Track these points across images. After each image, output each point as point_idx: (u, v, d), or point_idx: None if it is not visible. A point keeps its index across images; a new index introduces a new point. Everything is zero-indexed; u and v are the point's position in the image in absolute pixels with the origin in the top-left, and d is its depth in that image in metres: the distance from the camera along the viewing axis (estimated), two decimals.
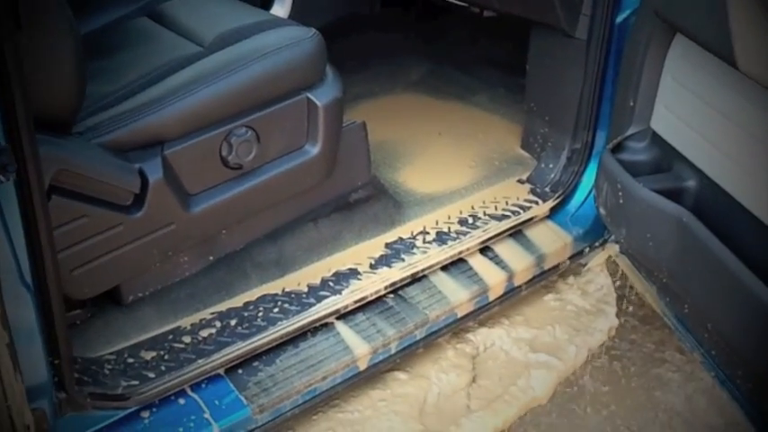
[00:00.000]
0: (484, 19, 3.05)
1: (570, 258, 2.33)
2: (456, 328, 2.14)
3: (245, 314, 1.88)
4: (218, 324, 1.84)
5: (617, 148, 2.09)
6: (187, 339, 1.80)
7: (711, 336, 1.85)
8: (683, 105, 1.93)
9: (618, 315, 2.35)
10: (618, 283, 2.44)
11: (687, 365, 2.41)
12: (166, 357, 1.74)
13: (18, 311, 1.28)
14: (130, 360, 1.72)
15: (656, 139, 2.04)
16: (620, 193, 2.01)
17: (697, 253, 1.80)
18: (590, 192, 2.33)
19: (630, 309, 2.57)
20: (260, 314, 1.88)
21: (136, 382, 1.67)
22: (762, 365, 1.65)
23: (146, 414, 1.69)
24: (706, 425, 2.28)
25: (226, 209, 1.89)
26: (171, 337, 1.80)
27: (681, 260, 1.87)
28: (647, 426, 2.25)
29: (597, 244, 2.38)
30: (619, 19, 2.16)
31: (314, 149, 2.00)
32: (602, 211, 2.15)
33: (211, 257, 1.98)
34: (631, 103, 2.06)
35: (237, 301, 1.91)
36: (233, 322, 1.85)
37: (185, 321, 1.85)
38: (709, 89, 1.82)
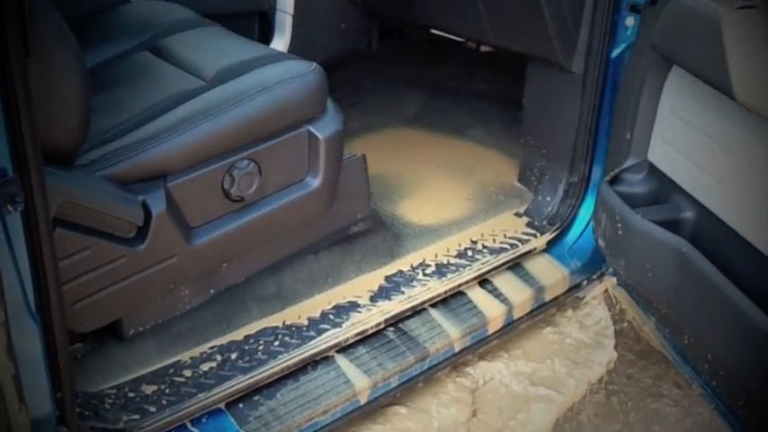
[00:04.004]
0: (480, 53, 3.10)
1: (568, 291, 2.33)
2: (456, 361, 2.13)
3: (246, 347, 1.86)
4: (218, 358, 1.83)
5: (615, 181, 2.11)
6: (188, 373, 1.78)
7: (712, 366, 1.85)
8: (679, 137, 1.95)
9: (616, 348, 2.35)
10: (615, 316, 2.45)
11: (684, 400, 2.41)
12: (167, 391, 1.72)
13: (24, 343, 1.27)
14: (131, 394, 1.70)
15: (654, 171, 2.06)
16: (619, 225, 2.02)
17: (696, 283, 1.81)
18: (587, 225, 2.34)
19: (628, 343, 2.57)
20: (260, 347, 1.86)
21: (137, 417, 1.65)
22: (763, 394, 1.65)
23: None
24: None
25: (227, 241, 1.88)
26: (172, 370, 1.78)
27: (680, 290, 1.88)
28: None
29: (595, 277, 2.38)
30: (614, 53, 2.19)
31: (315, 182, 2.00)
32: (601, 242, 2.16)
33: (212, 290, 1.97)
34: (628, 136, 2.08)
35: (238, 335, 1.90)
36: (234, 356, 1.84)
37: (186, 355, 1.83)
38: (706, 120, 1.84)
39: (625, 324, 2.49)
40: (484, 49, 3.13)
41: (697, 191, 1.90)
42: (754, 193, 1.72)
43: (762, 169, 1.68)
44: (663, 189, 2.04)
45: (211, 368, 1.80)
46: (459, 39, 2.80)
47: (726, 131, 1.78)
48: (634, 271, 2.07)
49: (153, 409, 1.67)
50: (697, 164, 1.90)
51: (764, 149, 1.65)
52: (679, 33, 1.84)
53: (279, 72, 1.93)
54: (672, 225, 1.94)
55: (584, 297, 2.43)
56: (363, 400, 1.91)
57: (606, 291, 2.43)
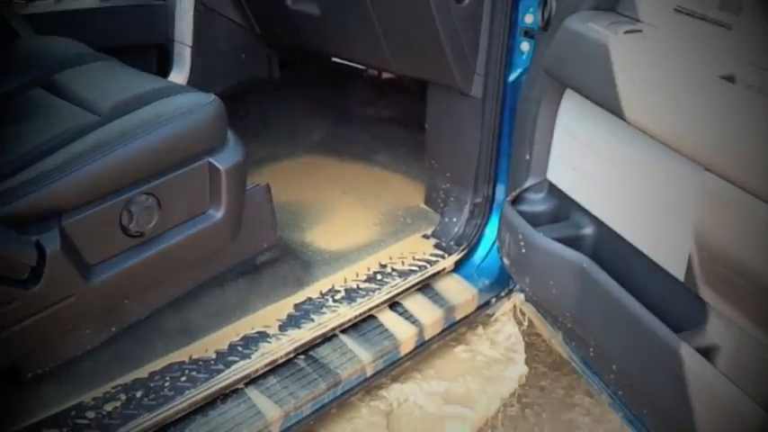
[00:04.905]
0: (382, 80, 3.13)
1: (478, 309, 2.37)
2: (369, 385, 2.14)
3: (152, 385, 1.83)
4: (123, 397, 1.79)
5: (516, 200, 2.15)
6: (91, 415, 1.73)
7: (617, 377, 1.90)
8: (576, 157, 2.00)
9: (527, 362, 2.39)
10: (525, 331, 2.49)
11: (596, 408, 2.46)
12: None
13: None
14: None
15: (554, 190, 2.11)
16: (522, 244, 2.06)
17: (598, 297, 1.86)
18: (493, 244, 2.39)
19: (540, 355, 2.62)
20: (167, 384, 1.83)
21: None
22: (665, 402, 1.70)
23: None
24: None
25: (128, 278, 1.84)
26: (74, 413, 1.73)
27: (583, 305, 1.93)
28: None
29: (503, 294, 2.43)
30: (511, 78, 2.25)
31: (217, 214, 1.98)
32: (505, 261, 2.20)
33: (114, 328, 1.93)
34: (527, 157, 2.13)
35: (143, 372, 1.86)
36: (139, 394, 1.80)
37: (88, 396, 1.78)
38: (600, 140, 1.90)
39: (535, 338, 2.54)
40: (385, 75, 3.17)
41: (595, 208, 1.96)
42: (646, 208, 1.78)
43: (652, 185, 1.74)
44: (563, 207, 2.10)
45: (116, 408, 1.76)
46: (360, 66, 2.83)
47: (618, 150, 1.84)
48: (538, 288, 2.11)
49: None
50: (593, 182, 1.95)
51: (653, 166, 1.72)
52: (570, 58, 1.90)
53: (176, 105, 1.90)
54: (573, 242, 1.99)
55: (493, 314, 2.47)
56: (276, 431, 1.89)
57: (515, 307, 2.47)
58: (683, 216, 1.61)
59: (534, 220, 2.08)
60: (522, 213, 2.10)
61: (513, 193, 2.16)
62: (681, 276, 1.67)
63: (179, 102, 1.92)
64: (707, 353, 1.61)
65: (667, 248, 1.72)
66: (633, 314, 1.75)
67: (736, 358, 1.60)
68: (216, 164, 1.95)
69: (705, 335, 1.65)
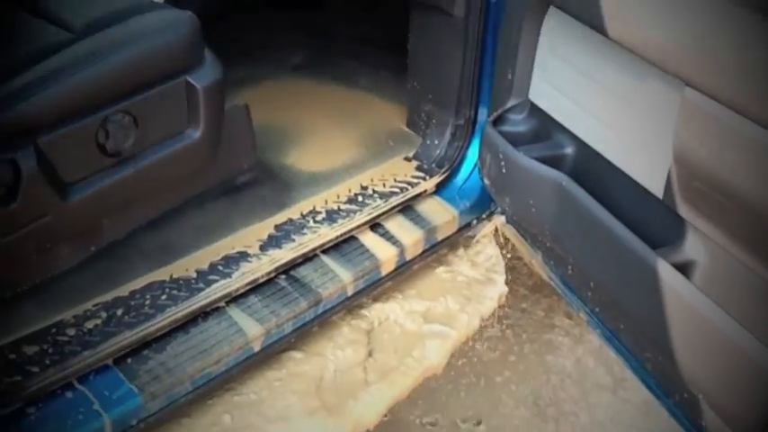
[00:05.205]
0: (363, 1, 3.08)
1: (459, 231, 2.37)
2: (350, 304, 2.16)
3: (132, 303, 1.83)
4: (103, 315, 1.79)
5: (498, 121, 2.14)
6: (71, 332, 1.74)
7: (594, 293, 1.92)
8: (558, 76, 1.99)
9: (507, 284, 2.41)
10: (506, 253, 2.51)
11: (575, 329, 2.50)
12: (50, 351, 1.69)
13: None
14: (12, 356, 1.66)
15: (535, 110, 2.10)
16: (503, 163, 2.06)
17: (576, 214, 1.87)
18: (475, 166, 2.38)
19: (521, 278, 2.65)
20: (147, 302, 1.84)
21: (18, 378, 1.61)
22: (641, 317, 1.73)
23: (31, 410, 1.63)
24: (596, 384, 2.38)
25: (106, 197, 1.83)
26: (54, 330, 1.74)
27: (562, 222, 1.94)
28: (539, 389, 2.33)
29: (484, 216, 2.43)
30: None
31: (196, 133, 1.96)
32: (486, 181, 2.21)
33: (93, 248, 1.92)
34: (510, 77, 2.11)
35: (123, 291, 1.86)
36: (119, 312, 1.80)
37: (69, 314, 1.79)
38: (582, 58, 1.88)
39: (516, 260, 2.56)
40: None
41: (575, 126, 1.96)
42: (627, 126, 1.77)
43: (632, 101, 1.73)
44: (544, 127, 2.09)
45: (96, 325, 1.77)
46: None
47: (600, 68, 1.82)
48: (518, 207, 2.12)
49: (36, 370, 1.64)
50: (574, 100, 1.94)
51: (635, 84, 1.70)
52: None
53: (151, 22, 1.87)
54: (553, 161, 1.99)
55: (474, 236, 2.48)
56: (257, 348, 1.92)
57: (496, 229, 2.49)
58: (664, 133, 1.61)
59: (515, 140, 2.07)
60: (503, 134, 2.10)
61: (495, 114, 2.14)
62: (659, 194, 1.68)
63: (154, 19, 1.89)
64: (683, 268, 1.63)
65: (647, 166, 1.72)
66: (611, 231, 1.76)
67: (713, 273, 1.62)
68: (193, 82, 1.92)
69: (682, 251, 1.67)
